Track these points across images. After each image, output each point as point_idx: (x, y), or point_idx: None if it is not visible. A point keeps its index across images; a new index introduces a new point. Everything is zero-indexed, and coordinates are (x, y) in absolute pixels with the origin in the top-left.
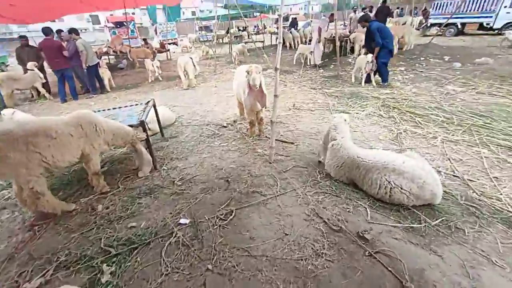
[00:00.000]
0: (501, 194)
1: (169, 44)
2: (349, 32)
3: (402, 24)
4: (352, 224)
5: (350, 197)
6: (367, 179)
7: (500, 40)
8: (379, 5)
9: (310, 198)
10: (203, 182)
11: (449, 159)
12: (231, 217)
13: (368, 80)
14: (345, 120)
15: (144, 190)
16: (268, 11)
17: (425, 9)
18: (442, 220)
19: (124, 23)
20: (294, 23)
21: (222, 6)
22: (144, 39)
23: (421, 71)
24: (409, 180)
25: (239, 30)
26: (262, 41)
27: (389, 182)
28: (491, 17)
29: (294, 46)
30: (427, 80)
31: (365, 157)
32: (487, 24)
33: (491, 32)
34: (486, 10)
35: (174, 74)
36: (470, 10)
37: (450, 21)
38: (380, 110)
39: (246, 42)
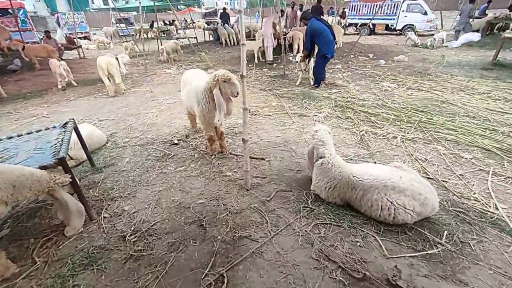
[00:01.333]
0: (474, 193)
1: (80, 38)
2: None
3: None
4: (372, 264)
5: (353, 225)
6: (365, 200)
7: (405, 39)
8: (307, 3)
9: (311, 235)
10: (169, 232)
11: (416, 160)
12: (223, 286)
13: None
14: (329, 133)
15: (80, 259)
16: (194, 5)
17: (343, 10)
18: (446, 235)
19: (9, 10)
20: (226, 17)
21: None
22: (46, 32)
23: (356, 69)
24: (411, 198)
25: (165, 24)
26: (195, 37)
27: (391, 202)
28: (394, 19)
29: (230, 43)
30: (364, 78)
31: (361, 176)
32: (391, 25)
33: (394, 32)
34: (390, 13)
35: (93, 77)
36: (378, 13)
37: (364, 21)
38: (336, 111)
39: (177, 38)
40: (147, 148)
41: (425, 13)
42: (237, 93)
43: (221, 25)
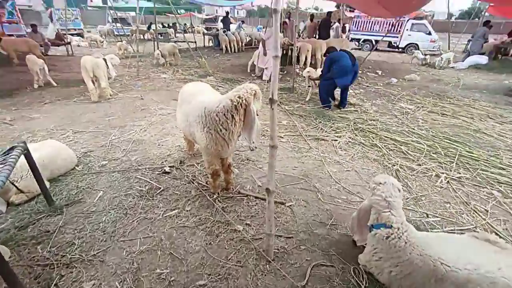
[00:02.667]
0: None
1: (72, 35)
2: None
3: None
4: None
5: None
6: None
7: (410, 58)
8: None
9: None
10: None
11: (475, 211)
12: None
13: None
14: (399, 190)
15: None
16: (195, 10)
17: (344, 25)
18: None
19: None
20: (227, 23)
21: None
22: (33, 26)
23: (367, 86)
24: None
25: (163, 26)
26: (195, 42)
27: None
28: (397, 37)
29: (231, 50)
30: (379, 97)
31: (454, 264)
32: (395, 43)
33: (396, 50)
34: (393, 31)
35: (77, 77)
36: (382, 30)
37: (367, 37)
38: (357, 135)
39: (176, 42)
40: (130, 176)
41: (429, 33)
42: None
43: (223, 31)
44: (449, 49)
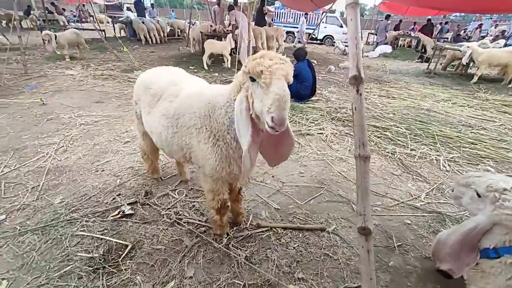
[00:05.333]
0: None
1: None
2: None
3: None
4: None
5: None
6: None
7: (333, 48)
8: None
9: None
10: None
11: None
12: None
13: None
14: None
15: None
16: None
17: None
18: None
19: None
20: (141, 9)
21: None
22: None
23: None
24: None
25: (48, 12)
26: (103, 30)
27: None
28: (315, 29)
29: (152, 41)
30: (330, 84)
31: None
32: (314, 34)
33: (316, 42)
34: (313, 23)
35: None
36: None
37: (291, 29)
38: (338, 126)
39: (80, 29)
40: (60, 236)
41: (341, 26)
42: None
43: (139, 18)
44: (362, 40)
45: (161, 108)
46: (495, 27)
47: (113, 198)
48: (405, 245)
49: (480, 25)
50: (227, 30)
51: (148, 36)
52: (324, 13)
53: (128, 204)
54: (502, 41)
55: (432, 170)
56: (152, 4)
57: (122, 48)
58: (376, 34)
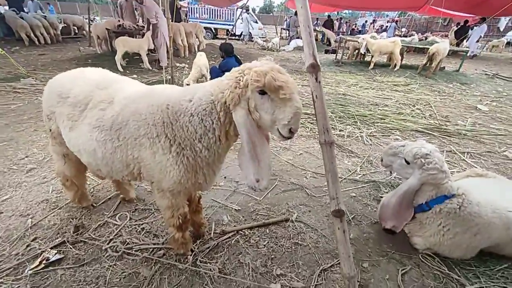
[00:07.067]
0: None
1: None
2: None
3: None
4: None
5: None
6: None
7: (253, 44)
8: None
9: None
10: None
11: None
12: None
13: None
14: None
15: None
16: None
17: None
18: None
19: None
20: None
21: None
22: None
23: None
24: None
25: None
26: None
27: None
28: (232, 25)
29: (39, 41)
30: None
31: None
32: (231, 30)
33: (233, 37)
34: (229, 19)
35: None
36: (219, 18)
37: (207, 25)
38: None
39: None
40: None
41: (256, 22)
42: (296, 129)
43: (14, 12)
44: (277, 35)
45: (90, 120)
46: (373, 23)
47: (27, 245)
48: (357, 216)
49: (374, 21)
50: (139, 26)
51: (33, 35)
52: (240, 9)
53: (52, 248)
54: (384, 34)
55: (359, 146)
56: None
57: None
58: (288, 30)
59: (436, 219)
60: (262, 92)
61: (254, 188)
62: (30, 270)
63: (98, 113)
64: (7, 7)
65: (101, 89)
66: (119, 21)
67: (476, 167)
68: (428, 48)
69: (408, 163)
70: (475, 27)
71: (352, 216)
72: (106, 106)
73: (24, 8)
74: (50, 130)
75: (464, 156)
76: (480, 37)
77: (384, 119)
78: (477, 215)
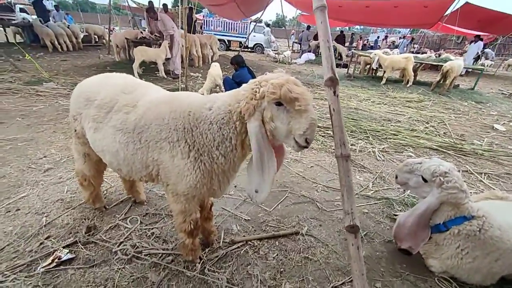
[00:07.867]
0: None
1: None
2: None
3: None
4: None
5: None
6: None
7: (264, 56)
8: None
9: None
10: None
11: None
12: None
13: None
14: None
15: None
16: None
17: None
18: None
19: None
20: (43, 9)
21: None
22: None
23: None
24: None
25: None
26: None
27: None
28: (245, 38)
29: (62, 48)
30: None
31: None
32: (245, 42)
33: (247, 49)
34: (242, 32)
35: None
36: (233, 31)
37: (220, 37)
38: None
39: None
40: None
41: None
42: (312, 139)
43: (40, 21)
44: (289, 48)
45: (114, 122)
46: (385, 39)
47: (41, 243)
48: (369, 233)
49: (386, 37)
50: (156, 36)
51: (56, 42)
52: (254, 23)
53: (64, 247)
54: (396, 50)
55: (371, 161)
56: (56, 6)
57: (24, 55)
58: (300, 43)
59: (454, 241)
60: (279, 104)
61: (251, 198)
62: (42, 268)
63: (122, 116)
64: (35, 16)
65: (126, 94)
66: (141, 32)
67: (494, 189)
68: (442, 65)
69: (425, 181)
70: (472, 44)
71: (364, 233)
72: (130, 110)
73: (50, 18)
74: (75, 130)
75: (481, 177)
76: (478, 53)
77: (397, 135)
78: (498, 239)
